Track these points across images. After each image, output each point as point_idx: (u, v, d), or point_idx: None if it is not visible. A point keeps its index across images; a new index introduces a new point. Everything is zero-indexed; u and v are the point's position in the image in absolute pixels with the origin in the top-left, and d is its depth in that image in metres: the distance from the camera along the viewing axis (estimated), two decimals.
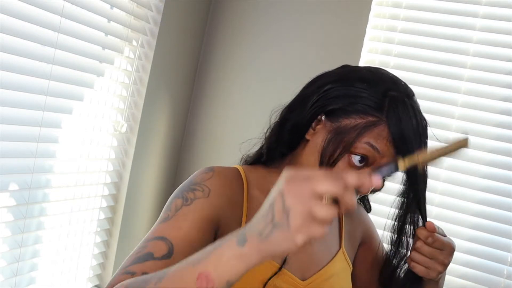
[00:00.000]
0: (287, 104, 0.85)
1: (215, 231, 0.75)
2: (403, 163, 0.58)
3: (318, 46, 1.78)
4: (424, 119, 0.77)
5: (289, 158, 0.85)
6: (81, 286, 1.54)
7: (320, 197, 0.49)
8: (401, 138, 0.72)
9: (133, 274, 0.65)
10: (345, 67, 0.83)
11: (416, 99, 0.78)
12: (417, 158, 0.57)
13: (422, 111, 0.78)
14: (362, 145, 0.73)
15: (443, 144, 0.58)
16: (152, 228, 0.73)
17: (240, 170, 0.84)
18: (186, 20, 1.78)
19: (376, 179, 0.51)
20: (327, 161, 0.75)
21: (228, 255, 0.53)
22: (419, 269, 0.80)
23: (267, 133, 0.87)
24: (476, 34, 1.61)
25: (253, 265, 0.53)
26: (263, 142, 0.88)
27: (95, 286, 1.61)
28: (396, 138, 0.72)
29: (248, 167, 0.87)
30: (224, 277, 0.53)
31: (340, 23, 1.76)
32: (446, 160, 1.62)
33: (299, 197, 0.49)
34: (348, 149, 0.73)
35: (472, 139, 1.60)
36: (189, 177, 0.80)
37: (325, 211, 0.49)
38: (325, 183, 0.49)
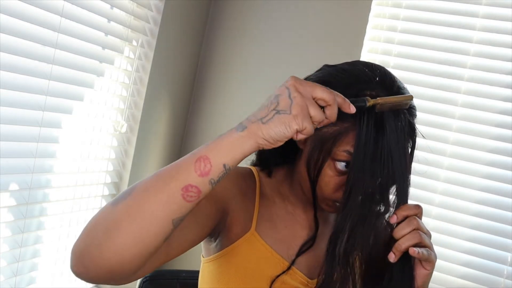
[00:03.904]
0: None
1: (220, 213, 0.76)
2: (369, 101, 0.68)
3: (318, 46, 1.78)
4: (406, 110, 0.72)
5: (287, 167, 0.85)
6: (81, 286, 1.54)
7: (315, 100, 0.61)
8: (365, 146, 0.69)
9: None
10: (323, 69, 0.80)
11: (397, 89, 0.73)
12: (380, 100, 0.68)
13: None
14: (340, 153, 0.72)
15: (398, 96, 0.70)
16: None
17: (253, 170, 0.87)
18: (186, 20, 1.78)
19: (351, 108, 0.64)
20: (313, 169, 0.75)
21: (226, 141, 0.60)
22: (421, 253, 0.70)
23: None
24: (476, 34, 1.60)
25: (249, 151, 0.60)
26: (256, 153, 0.88)
27: (95, 286, 1.61)
28: (358, 146, 0.69)
29: (259, 168, 0.89)
30: (221, 160, 0.59)
31: (340, 23, 1.76)
32: (446, 160, 1.62)
33: (302, 93, 0.60)
34: (328, 157, 0.73)
35: (472, 139, 1.60)
36: None
37: (317, 111, 0.61)
38: (321, 91, 0.61)
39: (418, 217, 0.71)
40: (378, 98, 0.68)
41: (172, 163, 0.60)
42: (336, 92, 0.63)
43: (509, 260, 1.54)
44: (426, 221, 1.63)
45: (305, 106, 0.60)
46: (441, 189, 1.62)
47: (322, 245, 0.85)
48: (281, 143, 0.61)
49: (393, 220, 0.71)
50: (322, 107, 0.62)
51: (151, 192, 0.57)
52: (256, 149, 0.60)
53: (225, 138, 0.60)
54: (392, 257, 0.69)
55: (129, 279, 0.60)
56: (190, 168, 0.58)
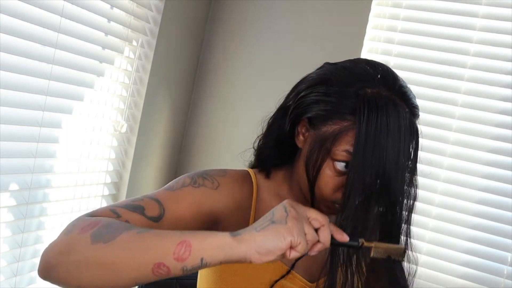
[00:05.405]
0: (273, 113, 0.83)
1: (209, 225, 0.77)
2: (363, 242, 0.66)
3: (318, 46, 1.78)
4: (408, 109, 0.71)
5: (286, 167, 0.84)
6: None
7: (309, 220, 0.62)
8: (365, 144, 0.67)
9: (118, 216, 0.68)
10: (324, 67, 0.78)
11: (399, 88, 0.71)
12: (373, 244, 0.66)
13: (410, 98, 0.73)
14: (340, 153, 0.70)
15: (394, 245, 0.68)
16: (154, 191, 0.76)
17: (251, 173, 0.85)
18: (186, 20, 1.78)
19: (345, 236, 0.65)
20: (312, 168, 0.73)
21: (214, 239, 0.59)
22: None
23: (256, 145, 0.86)
24: (476, 34, 1.60)
25: (232, 258, 0.59)
26: (254, 154, 0.87)
27: None
28: (358, 144, 0.68)
29: (258, 170, 0.87)
30: (201, 253, 0.58)
31: (340, 24, 1.76)
32: (446, 160, 1.62)
33: (297, 210, 0.62)
34: (328, 157, 0.71)
35: (472, 139, 1.60)
36: (203, 169, 0.82)
37: (311, 230, 0.61)
38: (315, 212, 0.63)
39: None
40: (372, 242, 0.66)
41: (153, 231, 0.61)
42: (327, 217, 0.64)
43: (509, 260, 1.54)
44: (426, 221, 1.63)
45: (300, 221, 0.60)
46: (441, 189, 1.62)
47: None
48: (272, 258, 0.59)
49: None
50: (316, 230, 0.63)
51: (129, 252, 0.59)
52: (242, 260, 0.59)
53: (216, 235, 0.60)
54: None
55: None
56: (171, 248, 0.59)
